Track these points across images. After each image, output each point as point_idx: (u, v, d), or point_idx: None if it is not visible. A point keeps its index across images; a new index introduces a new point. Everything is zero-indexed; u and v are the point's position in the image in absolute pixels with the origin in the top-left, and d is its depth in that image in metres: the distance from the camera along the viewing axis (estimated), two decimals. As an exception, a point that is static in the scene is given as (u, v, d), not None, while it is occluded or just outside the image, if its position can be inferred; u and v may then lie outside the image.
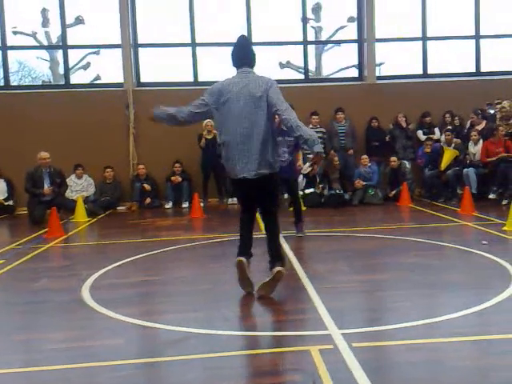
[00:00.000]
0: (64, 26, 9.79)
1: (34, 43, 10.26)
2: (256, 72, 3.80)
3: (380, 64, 10.51)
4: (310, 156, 6.74)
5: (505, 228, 5.95)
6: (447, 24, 10.15)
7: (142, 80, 10.00)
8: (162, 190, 9.43)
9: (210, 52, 10.02)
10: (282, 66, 10.46)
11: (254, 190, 3.77)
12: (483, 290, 3.77)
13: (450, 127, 9.26)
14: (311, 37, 10.42)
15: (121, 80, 9.74)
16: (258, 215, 4.02)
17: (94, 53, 10.16)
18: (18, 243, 6.22)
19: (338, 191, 8.70)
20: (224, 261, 4.66)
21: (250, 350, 2.93)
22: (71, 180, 8.94)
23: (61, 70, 10.21)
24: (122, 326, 3.29)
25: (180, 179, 9.27)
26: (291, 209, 6.56)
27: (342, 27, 10.46)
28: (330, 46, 10.79)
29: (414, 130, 9.68)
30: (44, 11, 10.07)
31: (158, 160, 9.43)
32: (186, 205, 9.13)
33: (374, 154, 9.35)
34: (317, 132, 9.24)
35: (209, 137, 9.15)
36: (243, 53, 3.77)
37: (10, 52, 9.83)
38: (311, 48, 10.51)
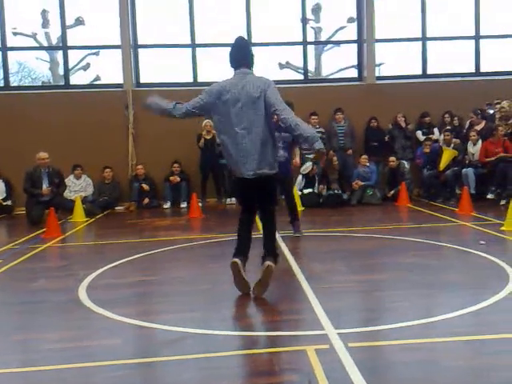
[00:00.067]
0: (64, 27, 9.81)
1: (34, 44, 10.27)
2: (255, 72, 3.82)
3: (379, 64, 10.51)
4: (311, 156, 6.75)
5: (503, 228, 5.95)
6: (447, 24, 10.16)
7: (142, 81, 10.00)
8: (161, 190, 9.43)
9: (209, 53, 10.02)
10: (281, 66, 10.47)
11: (254, 190, 3.80)
12: (480, 290, 3.77)
13: (449, 127, 9.26)
14: (311, 37, 10.42)
15: (120, 81, 9.75)
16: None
17: (94, 54, 10.17)
18: (15, 243, 6.22)
19: (336, 191, 8.70)
20: (222, 261, 4.65)
21: (247, 350, 2.93)
22: (70, 180, 8.95)
23: (61, 71, 10.22)
24: (119, 326, 3.29)
25: (178, 179, 9.28)
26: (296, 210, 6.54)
27: (341, 28, 10.47)
28: (329, 46, 10.79)
29: (413, 130, 9.68)
30: (44, 12, 10.08)
31: (156, 160, 9.44)
32: (184, 205, 9.14)
33: (372, 154, 9.35)
34: (316, 132, 9.25)
35: (208, 137, 9.15)
36: (241, 54, 3.78)
37: (10, 53, 9.83)
38: (311, 48, 10.52)
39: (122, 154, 9.57)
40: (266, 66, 9.50)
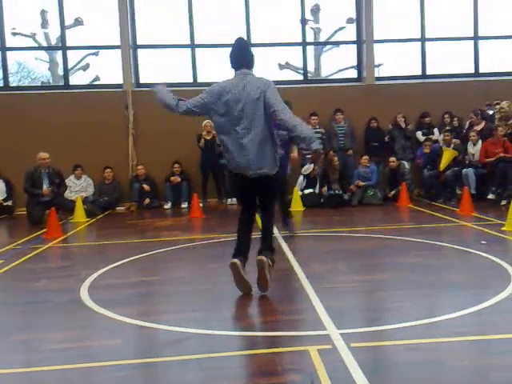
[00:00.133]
0: (63, 27, 9.80)
1: (34, 44, 10.26)
2: (255, 73, 3.84)
3: (379, 65, 10.52)
4: (309, 156, 6.75)
5: (504, 228, 5.95)
6: (446, 25, 10.17)
7: (142, 81, 10.00)
8: (161, 191, 9.43)
9: (209, 53, 10.02)
10: (281, 66, 10.47)
11: (254, 189, 3.83)
12: (482, 290, 3.77)
13: (448, 128, 9.27)
14: (310, 38, 10.43)
15: (120, 81, 9.74)
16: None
17: (94, 54, 10.16)
18: (16, 243, 6.22)
19: (337, 192, 8.71)
20: (223, 261, 4.64)
21: (249, 350, 2.93)
22: (70, 180, 8.94)
23: (60, 71, 10.22)
24: (121, 327, 3.29)
25: (179, 179, 9.28)
26: (289, 208, 6.55)
27: (340, 28, 10.48)
28: (328, 47, 10.80)
29: (413, 131, 9.69)
30: (43, 12, 10.08)
31: (157, 160, 9.44)
32: (185, 205, 9.14)
33: (373, 154, 9.35)
34: (316, 133, 9.26)
35: (208, 137, 9.15)
36: (241, 54, 3.81)
37: (9, 53, 9.83)
38: (310, 49, 10.53)
39: (122, 154, 9.57)
40: (266, 66, 9.50)
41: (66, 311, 3.68)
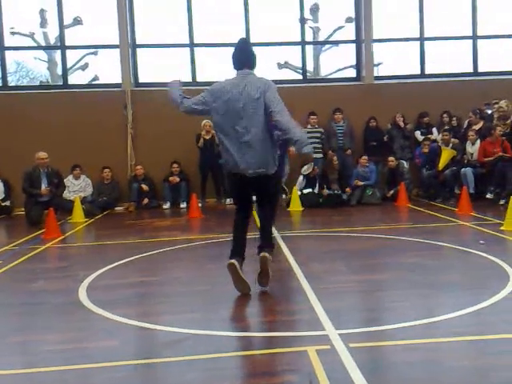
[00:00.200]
0: (62, 27, 9.79)
1: (32, 44, 10.25)
2: (256, 73, 3.87)
3: (378, 64, 10.52)
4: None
5: (502, 228, 5.95)
6: (445, 24, 10.17)
7: (140, 80, 9.99)
8: (160, 191, 9.42)
9: (208, 52, 10.02)
10: (280, 66, 10.46)
11: (251, 189, 3.86)
12: (480, 290, 3.77)
13: (447, 127, 9.27)
14: (309, 37, 10.42)
15: (119, 80, 9.73)
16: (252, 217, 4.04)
17: (92, 53, 10.15)
18: (15, 244, 6.21)
19: (336, 191, 8.70)
20: (222, 261, 4.63)
21: (248, 351, 2.93)
22: (69, 180, 8.93)
23: (59, 71, 10.21)
24: (119, 327, 3.28)
25: (178, 179, 9.27)
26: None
27: (339, 28, 10.47)
28: (327, 46, 10.80)
29: (411, 130, 9.69)
30: (42, 12, 10.06)
31: (155, 160, 9.43)
32: (183, 205, 9.13)
33: (372, 153, 9.35)
34: (315, 132, 9.27)
35: (207, 137, 9.15)
36: (244, 56, 3.85)
37: (7, 52, 9.82)
38: (309, 48, 10.52)
39: (120, 154, 9.56)
40: (265, 65, 9.48)
41: (63, 312, 3.67)
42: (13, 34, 9.90)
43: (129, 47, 9.74)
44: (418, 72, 10.33)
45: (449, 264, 4.70)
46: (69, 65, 9.98)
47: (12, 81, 10.53)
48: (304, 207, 8.35)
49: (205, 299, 3.86)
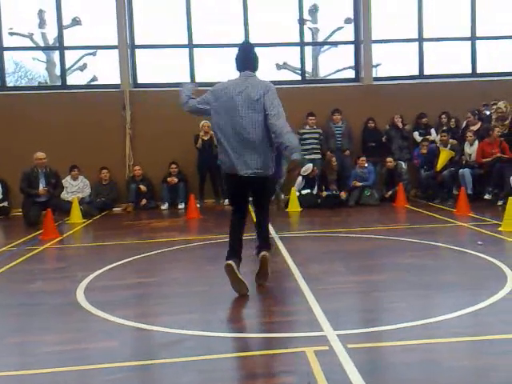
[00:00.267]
0: (60, 27, 9.79)
1: (31, 44, 10.24)
2: (257, 75, 3.91)
3: (376, 65, 10.53)
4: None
5: (500, 229, 5.96)
6: (443, 25, 10.19)
7: (139, 81, 9.99)
8: (158, 191, 9.42)
9: (207, 53, 10.01)
10: (278, 67, 10.47)
11: (248, 189, 3.88)
12: (478, 291, 3.77)
13: (445, 128, 9.28)
14: (308, 38, 10.43)
15: (117, 81, 9.73)
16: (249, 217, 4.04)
17: (91, 54, 10.14)
18: (12, 244, 6.20)
19: (334, 192, 8.71)
20: (220, 262, 4.63)
21: (245, 352, 2.92)
22: (67, 181, 8.91)
23: (57, 71, 10.19)
24: (117, 329, 3.27)
25: (176, 180, 9.26)
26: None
27: (338, 28, 10.48)
28: (326, 47, 10.80)
29: (410, 131, 9.70)
30: (40, 12, 10.05)
31: (154, 161, 9.42)
32: (182, 206, 9.12)
33: (370, 154, 9.35)
34: (313, 133, 9.28)
35: (205, 138, 9.15)
36: (247, 58, 3.91)
37: (6, 53, 9.82)
38: (308, 49, 10.53)
39: (119, 154, 9.56)
40: (264, 66, 9.47)
41: (61, 313, 3.67)
42: (11, 34, 9.89)
43: (127, 48, 9.74)
44: (417, 73, 10.35)
45: (447, 265, 4.70)
46: (67, 65, 9.97)
47: (10, 81, 10.51)
48: (302, 208, 8.35)
49: (203, 300, 3.86)
